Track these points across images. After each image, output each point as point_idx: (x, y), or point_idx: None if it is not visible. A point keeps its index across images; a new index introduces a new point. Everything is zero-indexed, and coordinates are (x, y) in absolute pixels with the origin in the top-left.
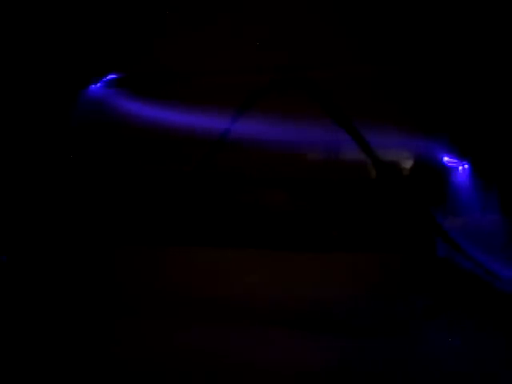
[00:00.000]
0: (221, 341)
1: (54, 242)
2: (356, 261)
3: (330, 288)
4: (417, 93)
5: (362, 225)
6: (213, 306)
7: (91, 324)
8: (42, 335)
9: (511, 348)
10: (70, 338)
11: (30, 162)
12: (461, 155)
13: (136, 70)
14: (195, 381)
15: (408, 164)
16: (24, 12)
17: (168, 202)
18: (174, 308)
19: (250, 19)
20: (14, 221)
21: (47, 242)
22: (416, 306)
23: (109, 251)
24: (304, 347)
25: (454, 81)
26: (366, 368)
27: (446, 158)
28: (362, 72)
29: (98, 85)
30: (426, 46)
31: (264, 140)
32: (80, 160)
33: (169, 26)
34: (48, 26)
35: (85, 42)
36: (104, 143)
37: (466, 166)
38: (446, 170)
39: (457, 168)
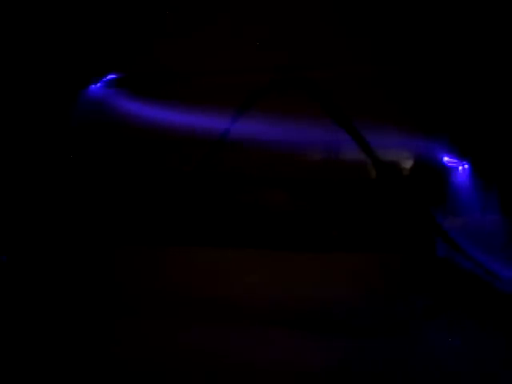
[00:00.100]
0: (221, 341)
1: (54, 241)
2: (356, 261)
3: (329, 288)
4: (417, 93)
5: (362, 225)
6: (213, 306)
7: (91, 324)
8: (42, 335)
9: (511, 348)
10: (70, 338)
11: (30, 162)
12: (461, 155)
13: (136, 70)
14: (195, 381)
15: (408, 164)
16: (24, 12)
17: (168, 201)
18: (174, 308)
19: (250, 19)
20: (14, 221)
21: (47, 242)
22: (416, 306)
23: (109, 251)
24: (304, 347)
25: (454, 81)
26: (366, 368)
27: (446, 158)
28: (362, 72)
29: (98, 85)
30: (426, 46)
31: (264, 140)
32: (80, 160)
33: (169, 26)
34: (48, 26)
35: (85, 42)
36: (104, 143)
37: (466, 166)
38: (446, 170)
39: (457, 168)
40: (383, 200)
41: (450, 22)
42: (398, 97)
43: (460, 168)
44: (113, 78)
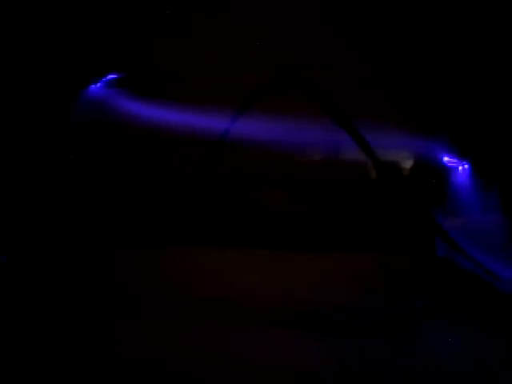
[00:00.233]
0: (221, 341)
1: (54, 241)
2: (356, 261)
3: (329, 288)
4: (417, 93)
5: (362, 225)
6: (213, 306)
7: (91, 324)
8: (41, 335)
9: (511, 348)
10: (70, 338)
11: (30, 162)
12: (461, 155)
13: (136, 70)
14: (195, 381)
15: (408, 164)
16: (24, 12)
17: (168, 201)
18: (174, 308)
19: (250, 19)
20: (14, 221)
21: (47, 242)
22: (416, 306)
23: (109, 251)
24: (304, 347)
25: (454, 81)
26: (366, 368)
27: (446, 158)
28: (362, 72)
29: (98, 85)
30: (426, 46)
31: (264, 140)
32: (80, 160)
33: (168, 26)
34: (48, 26)
35: (85, 42)
36: (104, 143)
37: (466, 166)
38: (446, 170)
39: (457, 168)
40: (383, 200)
41: (449, 22)
42: (398, 97)
43: (460, 168)
44: (113, 78)
